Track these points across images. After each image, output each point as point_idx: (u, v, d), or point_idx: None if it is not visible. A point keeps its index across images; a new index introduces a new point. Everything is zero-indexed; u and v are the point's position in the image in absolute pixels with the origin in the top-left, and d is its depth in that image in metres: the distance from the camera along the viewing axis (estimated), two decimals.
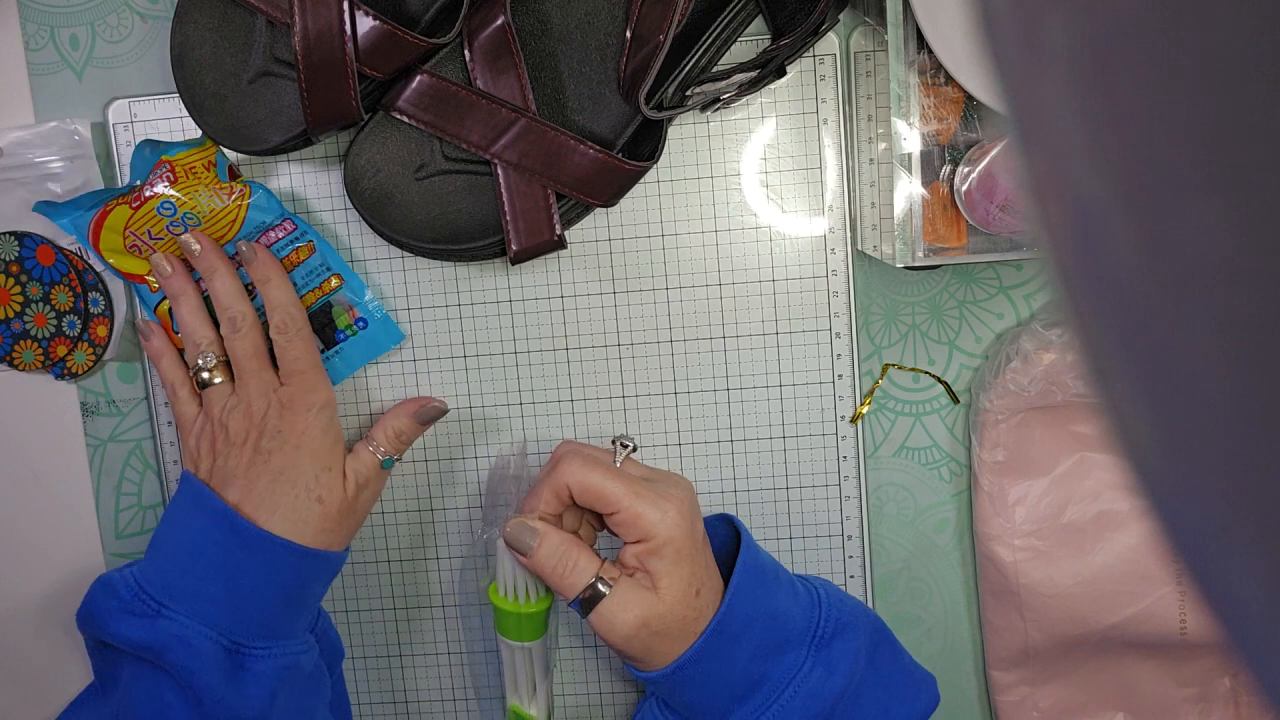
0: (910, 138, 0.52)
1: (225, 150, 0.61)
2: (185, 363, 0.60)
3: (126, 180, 0.61)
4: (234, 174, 0.61)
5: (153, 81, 0.62)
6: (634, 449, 0.58)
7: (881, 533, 0.65)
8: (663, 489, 0.55)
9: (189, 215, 0.59)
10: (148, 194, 0.59)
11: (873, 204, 0.58)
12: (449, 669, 0.67)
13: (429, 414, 0.61)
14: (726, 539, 0.60)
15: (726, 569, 0.57)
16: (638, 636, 0.54)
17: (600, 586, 0.54)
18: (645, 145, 0.58)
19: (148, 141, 0.60)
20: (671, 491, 0.55)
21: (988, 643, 0.64)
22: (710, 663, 0.54)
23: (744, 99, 0.59)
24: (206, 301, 0.60)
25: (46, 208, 0.60)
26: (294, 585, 0.56)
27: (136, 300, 0.63)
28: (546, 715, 0.62)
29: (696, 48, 0.57)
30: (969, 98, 0.53)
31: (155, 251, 0.60)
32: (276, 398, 0.57)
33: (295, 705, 0.57)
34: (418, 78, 0.56)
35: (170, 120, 0.62)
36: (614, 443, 0.58)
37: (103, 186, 0.62)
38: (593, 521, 0.60)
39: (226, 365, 0.58)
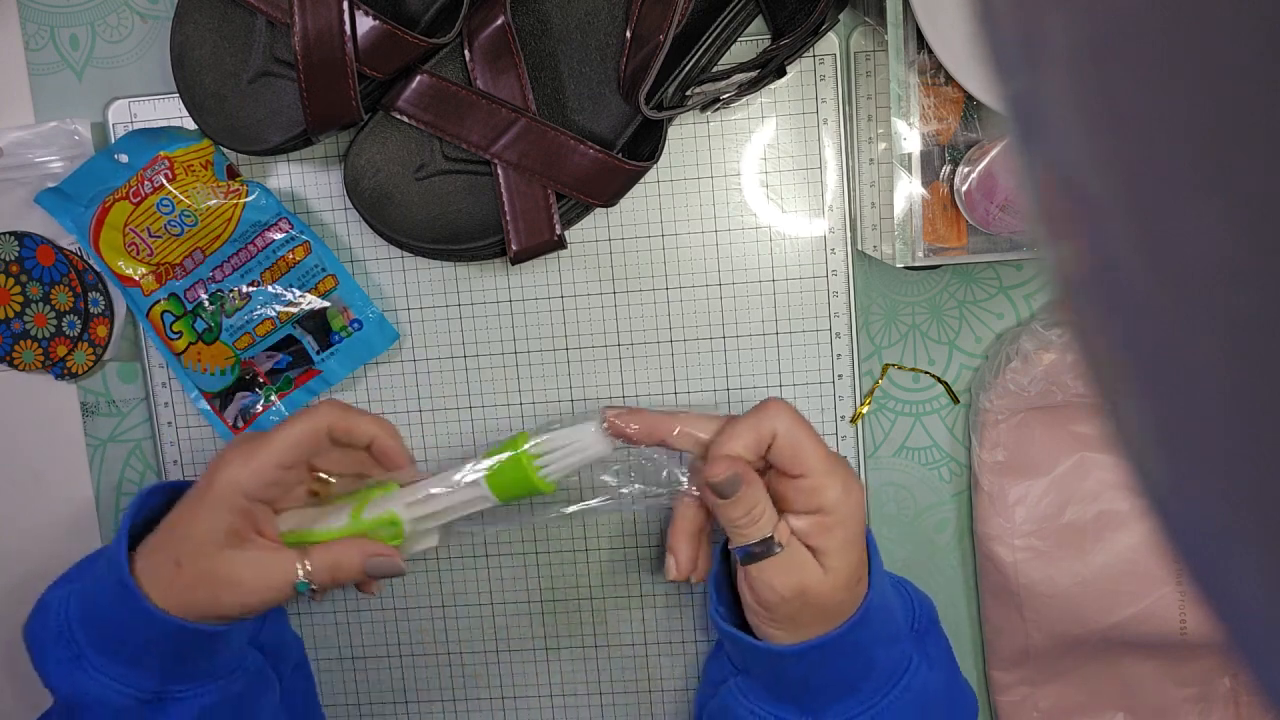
0: (910, 138, 0.52)
1: (224, 149, 0.61)
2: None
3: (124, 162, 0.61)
4: (232, 173, 0.61)
5: (153, 81, 0.62)
6: None
7: (881, 533, 0.65)
8: (849, 471, 0.54)
9: (186, 213, 0.59)
10: (147, 189, 0.59)
11: (873, 204, 0.58)
12: (449, 669, 0.67)
13: (380, 568, 0.54)
14: None
15: None
16: (791, 603, 0.52)
17: (774, 545, 0.52)
18: (645, 145, 0.58)
19: (141, 132, 0.60)
20: (854, 475, 0.54)
21: (988, 643, 0.64)
22: (847, 646, 0.53)
23: (744, 99, 0.59)
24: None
25: (48, 199, 0.60)
26: (184, 649, 0.53)
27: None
28: (408, 530, 0.56)
29: (696, 48, 0.57)
30: (969, 98, 0.53)
31: (153, 251, 0.60)
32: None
33: None
34: (418, 78, 0.56)
35: (170, 121, 0.62)
36: None
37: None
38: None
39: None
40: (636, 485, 0.56)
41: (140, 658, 0.53)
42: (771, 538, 0.52)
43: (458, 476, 0.55)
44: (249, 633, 0.58)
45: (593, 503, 0.57)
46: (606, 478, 0.57)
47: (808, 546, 0.52)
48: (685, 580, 0.57)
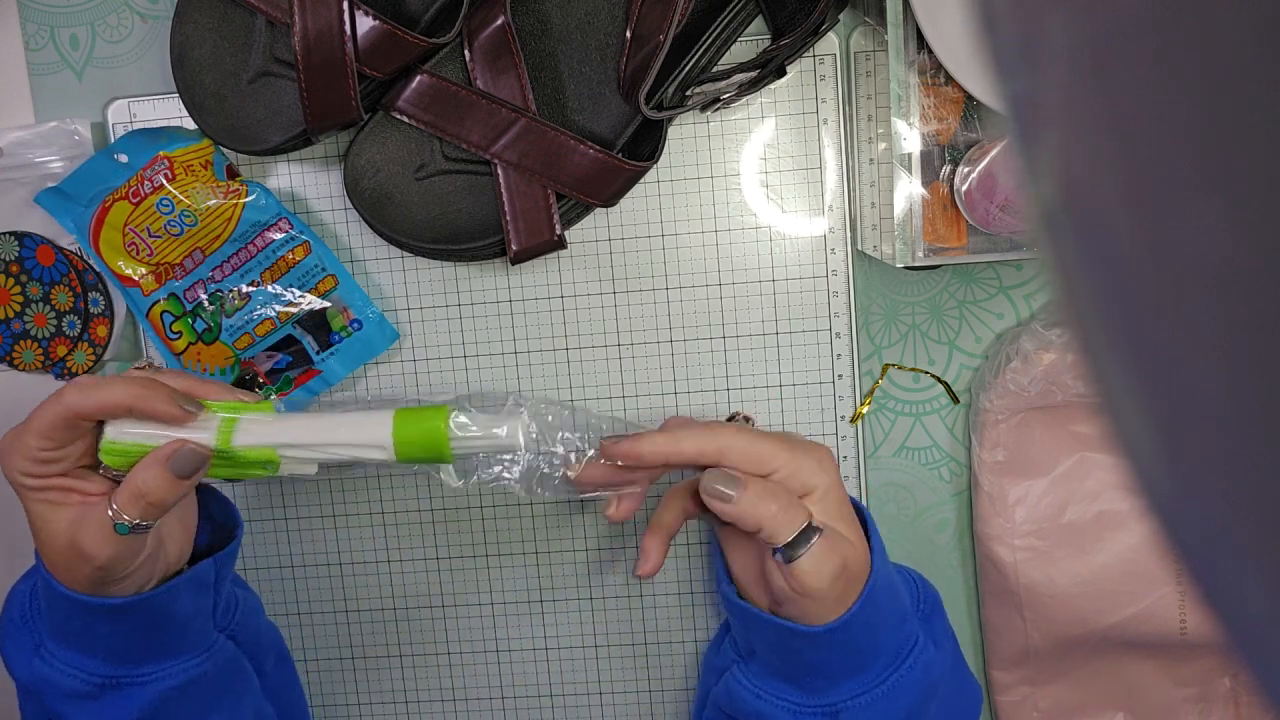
0: (910, 138, 0.52)
1: (224, 149, 0.61)
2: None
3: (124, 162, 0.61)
4: (232, 173, 0.61)
5: (153, 81, 0.62)
6: (753, 424, 0.55)
7: (882, 533, 0.65)
8: (802, 440, 0.53)
9: (186, 214, 0.59)
10: (147, 189, 0.59)
11: (873, 204, 0.58)
12: (449, 669, 0.67)
13: (184, 463, 0.49)
14: None
15: None
16: (839, 580, 0.50)
17: (815, 528, 0.50)
18: (645, 145, 0.58)
19: (141, 132, 0.60)
20: (809, 441, 0.53)
21: (988, 643, 0.64)
22: (858, 624, 0.51)
23: (744, 99, 0.59)
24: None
25: (48, 199, 0.60)
26: (119, 630, 0.52)
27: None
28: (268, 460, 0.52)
29: (696, 48, 0.57)
30: (969, 98, 0.53)
31: (153, 251, 0.60)
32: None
33: (195, 715, 0.56)
34: (418, 78, 0.56)
35: (170, 121, 0.62)
36: (730, 419, 0.55)
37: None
38: (690, 507, 0.56)
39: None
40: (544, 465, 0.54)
41: (87, 643, 0.53)
42: (811, 521, 0.50)
43: (352, 423, 0.51)
44: (205, 614, 0.56)
45: (505, 477, 0.54)
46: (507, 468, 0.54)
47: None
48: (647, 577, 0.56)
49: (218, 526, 0.58)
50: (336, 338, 0.62)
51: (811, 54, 0.60)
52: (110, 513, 0.49)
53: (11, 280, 0.63)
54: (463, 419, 0.51)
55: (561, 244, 0.58)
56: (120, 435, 0.50)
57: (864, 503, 0.64)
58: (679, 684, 0.66)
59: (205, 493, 0.58)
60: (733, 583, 0.56)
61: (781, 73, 0.59)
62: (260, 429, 0.51)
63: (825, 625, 0.51)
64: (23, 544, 0.68)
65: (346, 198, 0.59)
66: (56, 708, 0.54)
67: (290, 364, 0.62)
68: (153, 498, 0.49)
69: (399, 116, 0.57)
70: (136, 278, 0.61)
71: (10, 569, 0.69)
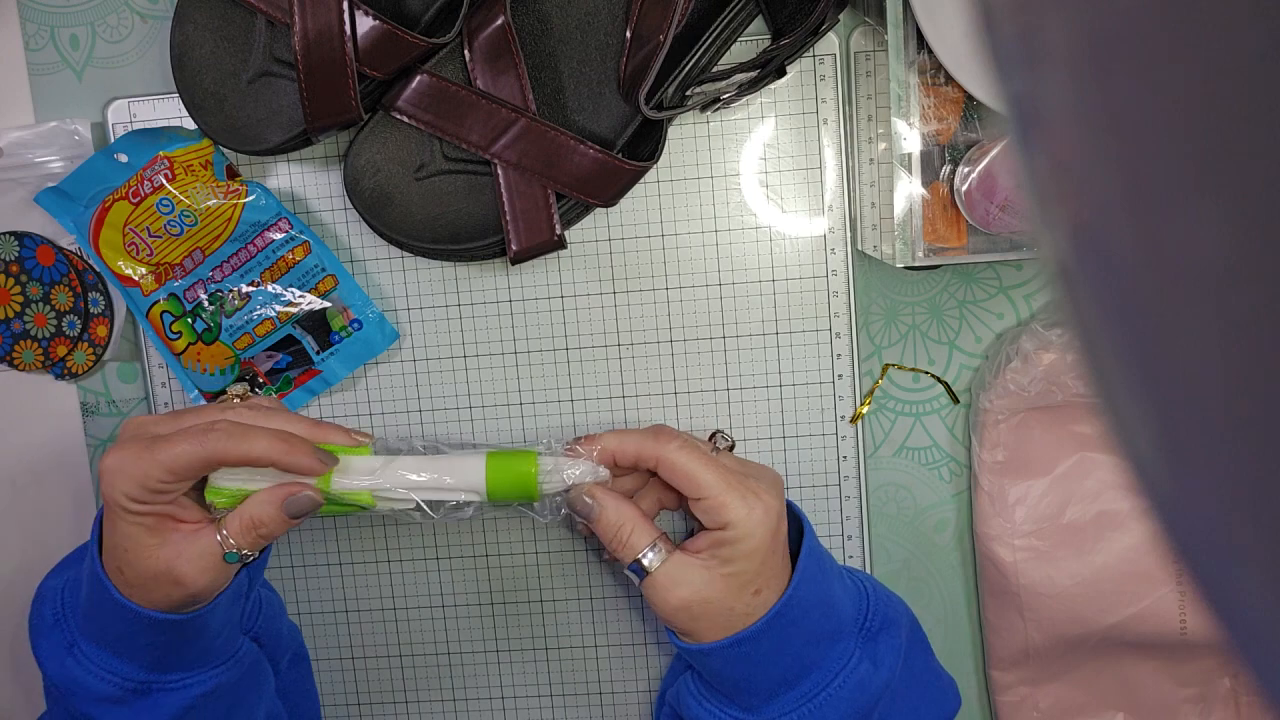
0: (910, 138, 0.52)
1: (224, 149, 0.61)
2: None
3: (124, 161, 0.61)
4: (232, 173, 0.61)
5: (153, 81, 0.62)
6: (731, 446, 0.57)
7: (881, 533, 0.65)
8: (755, 484, 0.54)
9: (186, 213, 0.59)
10: (147, 189, 0.59)
11: (873, 204, 0.58)
12: (449, 669, 0.67)
13: (299, 506, 0.52)
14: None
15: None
16: (679, 614, 0.54)
17: (646, 560, 0.54)
18: (645, 145, 0.58)
19: (140, 132, 0.60)
20: (763, 487, 0.54)
21: (988, 643, 0.64)
22: (767, 643, 0.54)
23: (744, 99, 0.59)
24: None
25: (48, 199, 0.60)
26: (162, 639, 0.53)
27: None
28: (359, 497, 0.54)
29: (696, 48, 0.57)
30: (969, 98, 0.53)
31: (153, 251, 0.60)
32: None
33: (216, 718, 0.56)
34: (418, 78, 0.56)
35: (170, 121, 0.62)
36: (711, 437, 0.58)
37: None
38: (665, 499, 0.59)
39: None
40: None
41: (126, 649, 0.53)
42: (645, 552, 0.54)
43: (445, 467, 0.54)
44: (235, 622, 0.57)
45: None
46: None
47: (716, 558, 0.53)
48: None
49: None
50: (336, 338, 0.62)
51: (811, 54, 0.60)
52: (218, 539, 0.51)
53: (11, 280, 0.63)
54: (549, 461, 0.55)
55: (561, 244, 0.58)
56: (223, 479, 0.53)
57: (863, 503, 0.64)
58: None
59: None
60: None
61: (781, 73, 0.59)
62: (359, 472, 0.54)
63: (703, 645, 0.55)
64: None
65: (346, 198, 0.59)
66: (86, 710, 0.54)
67: (290, 364, 0.62)
68: (264, 530, 0.52)
69: (399, 116, 0.57)
70: (136, 278, 0.61)
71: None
